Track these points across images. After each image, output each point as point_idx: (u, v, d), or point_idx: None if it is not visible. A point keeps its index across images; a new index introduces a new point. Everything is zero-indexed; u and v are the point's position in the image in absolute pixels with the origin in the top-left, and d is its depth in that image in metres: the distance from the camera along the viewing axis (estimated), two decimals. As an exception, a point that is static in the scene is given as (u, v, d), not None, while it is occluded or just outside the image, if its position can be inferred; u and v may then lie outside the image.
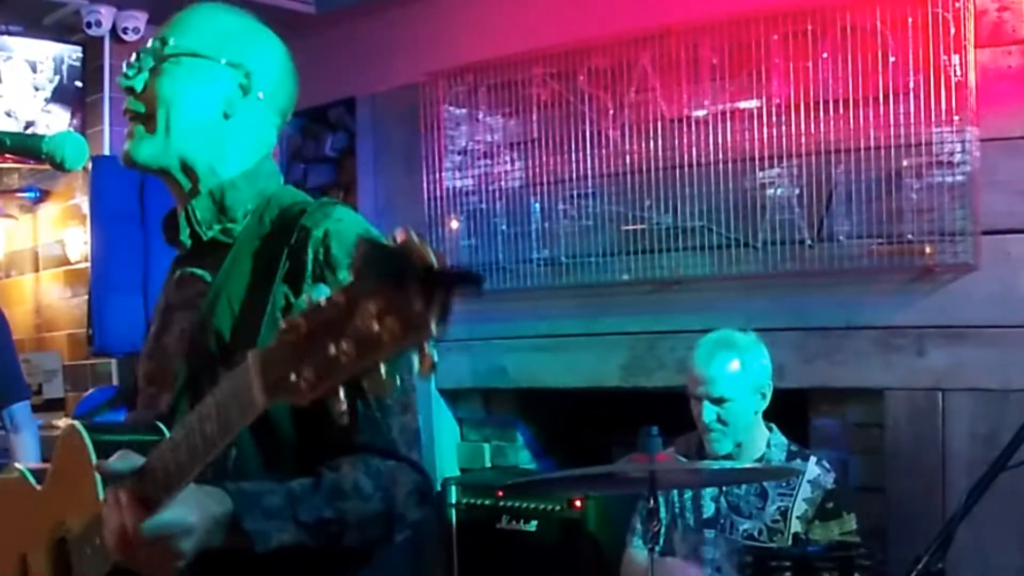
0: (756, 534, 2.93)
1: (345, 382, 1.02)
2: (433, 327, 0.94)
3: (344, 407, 1.04)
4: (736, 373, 2.95)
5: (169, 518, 1.28)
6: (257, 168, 1.65)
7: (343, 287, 0.99)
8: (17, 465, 1.72)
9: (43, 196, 5.44)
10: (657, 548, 2.81)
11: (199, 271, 1.62)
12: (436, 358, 0.98)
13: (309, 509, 1.41)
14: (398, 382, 1.02)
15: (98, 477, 1.39)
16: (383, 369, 1.00)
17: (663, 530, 2.98)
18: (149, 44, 1.64)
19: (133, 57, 1.63)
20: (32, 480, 1.66)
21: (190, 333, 1.56)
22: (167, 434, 1.39)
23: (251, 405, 1.12)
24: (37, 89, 4.72)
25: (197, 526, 1.31)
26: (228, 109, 1.62)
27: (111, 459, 1.33)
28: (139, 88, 1.60)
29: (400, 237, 0.95)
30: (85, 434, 1.45)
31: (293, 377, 1.03)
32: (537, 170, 4.10)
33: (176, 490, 1.26)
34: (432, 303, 0.93)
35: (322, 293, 1.01)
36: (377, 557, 1.56)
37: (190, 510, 1.31)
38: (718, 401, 2.94)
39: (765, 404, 3.02)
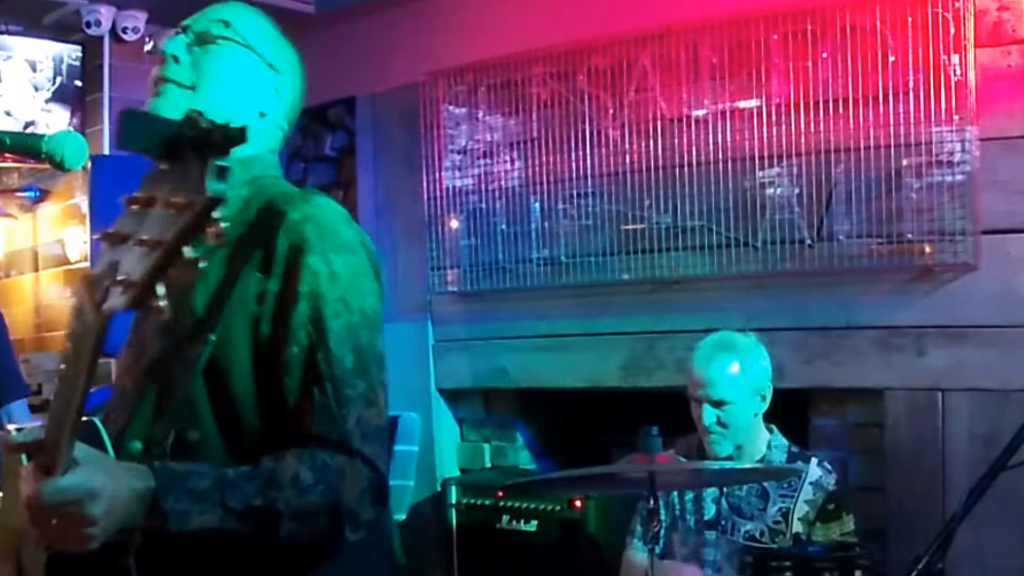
0: (758, 535, 2.93)
1: (154, 272, 1.02)
2: (207, 187, 0.98)
3: (163, 304, 1.04)
4: (736, 376, 2.94)
5: (68, 481, 1.26)
6: (256, 156, 1.65)
7: (141, 182, 1.05)
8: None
9: (43, 196, 5.44)
10: (657, 549, 2.81)
11: None
12: (225, 226, 1.01)
13: (239, 495, 1.39)
14: (202, 267, 1.02)
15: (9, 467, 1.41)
16: (186, 252, 1.01)
17: (663, 532, 2.97)
18: (204, 20, 1.64)
19: (182, 28, 1.63)
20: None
21: (167, 323, 1.53)
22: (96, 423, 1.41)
23: (88, 326, 1.12)
24: (37, 89, 4.72)
25: (103, 491, 1.28)
26: (264, 109, 1.65)
27: (15, 434, 1.34)
28: (185, 56, 1.61)
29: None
30: (12, 432, 1.47)
31: (113, 283, 1.05)
32: (537, 170, 4.10)
33: (62, 446, 1.24)
34: (204, 164, 0.98)
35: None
36: (345, 556, 1.52)
37: (94, 474, 1.29)
38: (718, 404, 2.94)
39: (765, 406, 3.01)
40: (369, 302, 1.55)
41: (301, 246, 1.49)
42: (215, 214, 0.99)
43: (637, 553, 3.05)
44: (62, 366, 1.21)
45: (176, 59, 1.61)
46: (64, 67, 4.78)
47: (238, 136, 1.00)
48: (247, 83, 1.63)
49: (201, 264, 1.02)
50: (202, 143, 0.99)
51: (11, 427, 1.51)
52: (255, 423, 1.50)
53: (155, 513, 1.34)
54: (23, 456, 1.38)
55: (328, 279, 1.50)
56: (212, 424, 1.48)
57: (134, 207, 1.04)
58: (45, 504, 1.26)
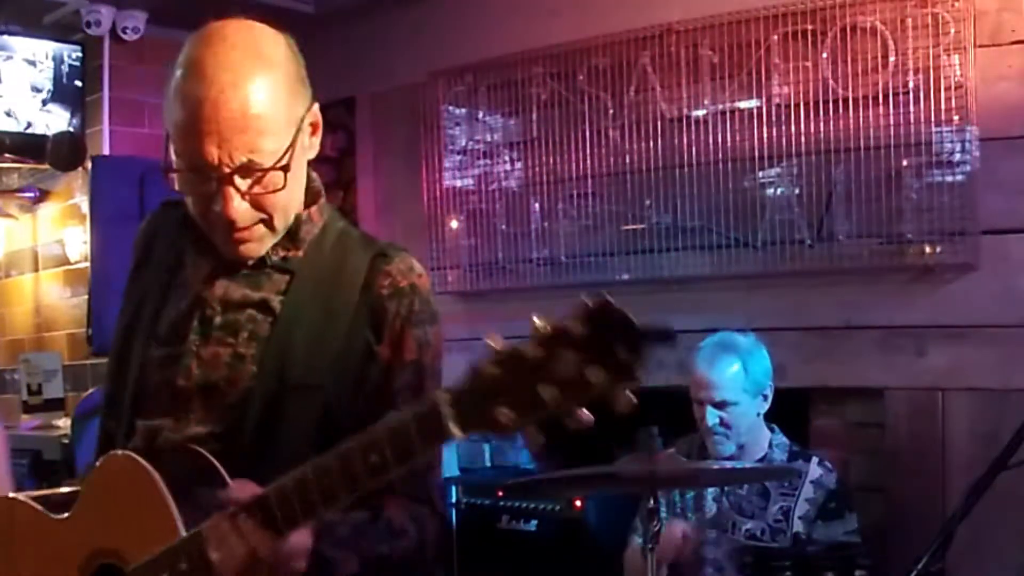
0: (759, 534, 2.93)
1: (544, 419, 1.17)
2: (639, 373, 1.15)
3: (543, 439, 1.19)
4: (738, 376, 2.95)
5: (297, 539, 1.36)
6: (315, 191, 1.64)
7: (541, 338, 1.17)
8: (19, 495, 1.69)
9: (43, 196, 5.44)
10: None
11: (258, 296, 1.59)
12: (635, 402, 1.18)
13: (369, 543, 1.49)
14: (592, 421, 1.19)
15: (173, 507, 1.41)
16: (583, 409, 1.17)
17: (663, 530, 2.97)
18: (235, 163, 1.46)
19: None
20: (39, 507, 1.63)
21: (262, 366, 1.54)
22: (218, 466, 1.44)
23: (442, 436, 1.23)
24: (37, 89, 4.72)
25: (310, 546, 1.39)
26: (310, 154, 1.59)
27: (231, 488, 1.38)
28: (255, 210, 1.52)
29: (598, 301, 1.17)
30: (145, 463, 1.46)
31: (493, 412, 1.18)
32: (537, 170, 4.10)
33: (322, 512, 1.33)
34: (637, 354, 1.15)
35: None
36: None
37: (306, 532, 1.38)
38: (721, 405, 2.95)
39: (767, 405, 3.02)
40: (440, 365, 1.64)
41: (410, 317, 1.57)
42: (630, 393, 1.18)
43: (638, 546, 3.06)
44: (357, 448, 1.29)
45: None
46: (64, 67, 4.78)
47: (671, 336, 1.19)
48: (299, 169, 1.61)
49: (591, 420, 1.20)
50: (644, 339, 1.18)
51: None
52: None
53: (318, 561, 1.41)
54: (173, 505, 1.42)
55: (427, 348, 1.60)
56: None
57: (529, 357, 1.18)
58: (274, 561, 1.35)
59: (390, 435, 1.26)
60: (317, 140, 1.60)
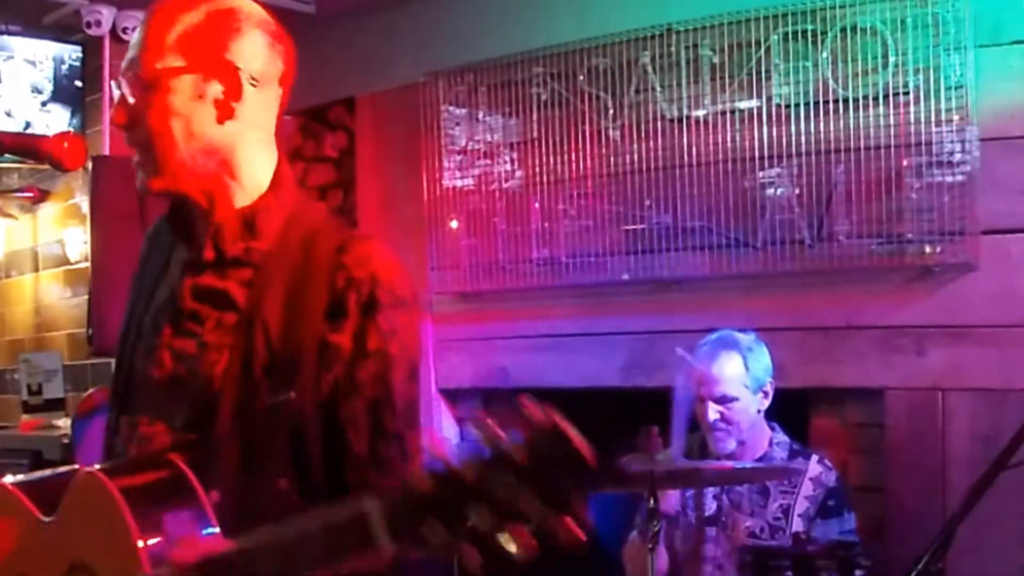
0: (758, 531, 2.94)
1: (477, 541, 1.11)
2: (580, 511, 1.08)
3: (479, 562, 1.12)
4: (739, 372, 2.97)
5: None
6: (281, 182, 1.63)
7: (483, 461, 1.09)
8: (7, 479, 1.69)
9: (43, 196, 5.44)
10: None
11: (222, 286, 1.59)
12: (583, 536, 1.11)
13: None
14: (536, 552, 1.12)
15: (135, 533, 1.39)
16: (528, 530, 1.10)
17: (663, 529, 2.98)
18: (123, 74, 1.58)
19: (116, 92, 1.60)
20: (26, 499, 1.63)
21: (229, 358, 1.54)
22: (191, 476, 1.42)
23: (369, 542, 1.18)
24: (37, 89, 4.72)
25: None
26: (220, 115, 1.57)
27: (176, 552, 1.34)
28: (127, 117, 1.58)
29: (547, 428, 1.08)
30: (111, 483, 1.43)
31: (423, 529, 1.13)
32: (537, 170, 4.10)
33: None
34: (581, 489, 1.07)
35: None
36: None
37: None
38: (722, 400, 2.96)
39: (767, 403, 3.04)
40: (417, 353, 1.60)
41: (372, 305, 1.53)
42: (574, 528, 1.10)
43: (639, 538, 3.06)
44: (304, 540, 1.25)
45: (125, 127, 1.62)
46: (64, 67, 4.78)
47: (622, 480, 1.08)
48: (186, 110, 1.60)
49: (533, 545, 1.11)
50: (589, 477, 1.08)
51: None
52: (319, 465, 1.53)
53: None
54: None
55: (392, 337, 1.54)
56: (292, 472, 1.50)
57: (467, 478, 1.10)
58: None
59: (323, 533, 1.23)
60: (238, 110, 1.57)
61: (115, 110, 1.58)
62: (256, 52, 1.59)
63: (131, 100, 1.56)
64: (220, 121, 1.56)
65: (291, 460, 1.51)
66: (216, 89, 1.55)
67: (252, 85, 1.57)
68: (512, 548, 1.11)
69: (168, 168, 1.57)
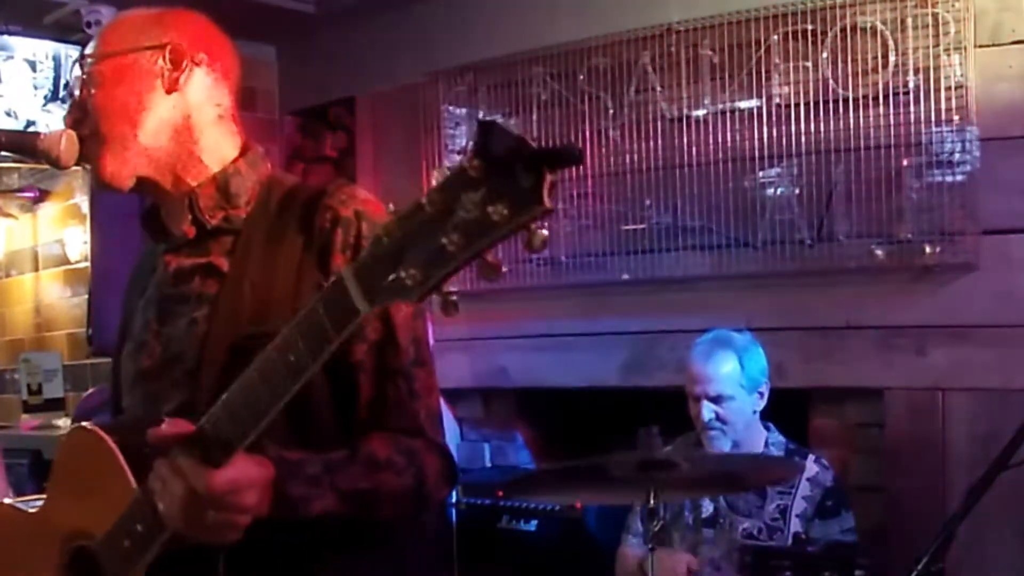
0: (756, 533, 2.94)
1: (455, 272, 1.07)
2: (547, 200, 1.01)
3: (455, 299, 1.10)
4: (734, 371, 2.97)
5: (236, 471, 1.29)
6: (249, 152, 1.65)
7: (439, 186, 1.06)
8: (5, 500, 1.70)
9: (43, 196, 5.45)
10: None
11: (204, 260, 1.59)
12: (546, 233, 1.04)
13: (346, 479, 1.43)
14: (504, 271, 1.07)
15: (125, 467, 1.39)
16: (490, 256, 1.06)
17: (662, 530, 2.98)
18: (72, 81, 1.63)
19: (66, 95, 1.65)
20: (23, 507, 1.64)
21: (212, 322, 1.53)
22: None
23: (350, 314, 1.15)
24: (37, 88, 4.72)
25: (259, 479, 1.32)
26: (167, 85, 1.59)
27: (163, 426, 1.31)
28: (79, 114, 1.59)
29: (485, 125, 1.03)
30: (102, 432, 1.44)
31: (397, 276, 1.09)
32: (537, 170, 4.09)
33: (247, 437, 1.27)
34: (540, 180, 1.01)
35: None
36: (402, 537, 1.59)
37: (250, 463, 1.32)
38: (716, 400, 2.96)
39: (763, 403, 3.03)
40: None
41: (359, 245, 1.50)
42: (535, 225, 1.03)
43: (631, 550, 3.06)
44: (273, 353, 1.23)
45: (76, 122, 1.63)
46: (64, 67, 4.78)
47: (577, 156, 1.03)
48: (129, 85, 1.63)
49: (504, 270, 1.07)
50: (541, 159, 1.01)
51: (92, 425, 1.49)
52: (328, 419, 1.51)
53: (281, 501, 1.36)
54: (122, 457, 1.39)
55: None
56: (285, 426, 1.46)
57: (429, 208, 1.06)
58: (212, 495, 1.27)
59: (301, 328, 1.21)
60: (186, 83, 1.60)
61: (66, 116, 1.61)
62: (198, 35, 1.63)
63: (78, 95, 1.59)
64: (168, 92, 1.59)
65: (285, 413, 1.48)
66: (159, 64, 1.59)
67: (196, 63, 1.60)
68: (487, 272, 1.08)
69: (125, 153, 1.57)
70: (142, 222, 1.69)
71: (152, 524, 1.36)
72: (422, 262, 1.08)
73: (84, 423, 1.50)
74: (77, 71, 1.60)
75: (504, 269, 1.08)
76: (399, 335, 1.53)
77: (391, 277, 1.10)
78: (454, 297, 1.11)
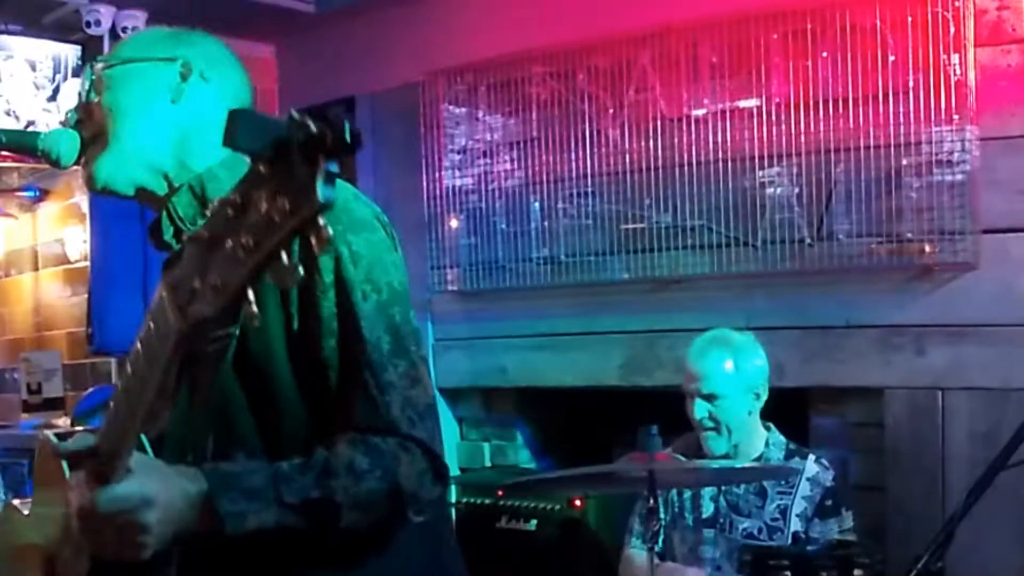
0: (756, 533, 2.94)
1: (249, 278, 1.01)
2: (319, 192, 0.93)
3: (255, 309, 1.03)
4: (728, 371, 2.97)
5: (124, 488, 1.25)
6: (234, 158, 1.63)
7: (235, 187, 1.00)
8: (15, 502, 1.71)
9: (43, 195, 5.45)
10: (657, 548, 2.82)
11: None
12: (331, 233, 0.97)
13: (295, 489, 1.36)
14: (301, 271, 1.00)
15: (67, 479, 1.38)
16: (284, 257, 0.98)
17: (662, 530, 2.98)
18: (84, 77, 1.66)
19: (75, 100, 1.65)
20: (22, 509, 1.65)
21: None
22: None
23: (169, 329, 1.10)
24: (37, 88, 4.72)
25: (158, 498, 1.27)
26: (173, 96, 1.59)
27: (67, 441, 1.31)
28: (83, 115, 1.60)
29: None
30: (52, 437, 1.44)
31: (198, 285, 1.03)
32: (537, 169, 4.10)
33: (123, 453, 1.23)
34: (315, 169, 0.94)
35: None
36: (397, 540, 1.50)
37: (148, 480, 1.27)
38: (709, 398, 2.96)
39: (760, 405, 3.03)
40: (395, 277, 1.50)
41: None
42: (320, 220, 0.97)
43: (637, 553, 3.05)
44: (129, 370, 1.20)
45: (81, 122, 1.65)
46: (64, 67, 4.78)
47: (353, 141, 0.97)
48: (138, 90, 1.65)
49: (300, 271, 1.00)
50: (313, 147, 0.96)
51: (48, 432, 1.49)
52: (298, 421, 1.46)
53: (209, 517, 1.31)
54: (65, 464, 1.37)
55: (350, 262, 1.45)
56: (251, 424, 1.45)
57: (228, 210, 1.01)
58: (101, 513, 1.24)
59: (141, 346, 1.17)
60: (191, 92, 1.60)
61: (71, 115, 1.63)
62: (211, 55, 1.64)
63: (85, 97, 1.61)
64: (173, 103, 1.59)
65: (251, 412, 1.46)
66: (168, 75, 1.60)
67: (204, 79, 1.61)
68: (280, 278, 1.00)
69: (123, 157, 1.58)
70: (149, 233, 1.68)
71: (77, 545, 1.35)
72: (219, 269, 1.02)
73: (44, 431, 1.51)
74: (88, 73, 1.62)
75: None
76: (364, 328, 1.44)
77: (200, 287, 1.04)
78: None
